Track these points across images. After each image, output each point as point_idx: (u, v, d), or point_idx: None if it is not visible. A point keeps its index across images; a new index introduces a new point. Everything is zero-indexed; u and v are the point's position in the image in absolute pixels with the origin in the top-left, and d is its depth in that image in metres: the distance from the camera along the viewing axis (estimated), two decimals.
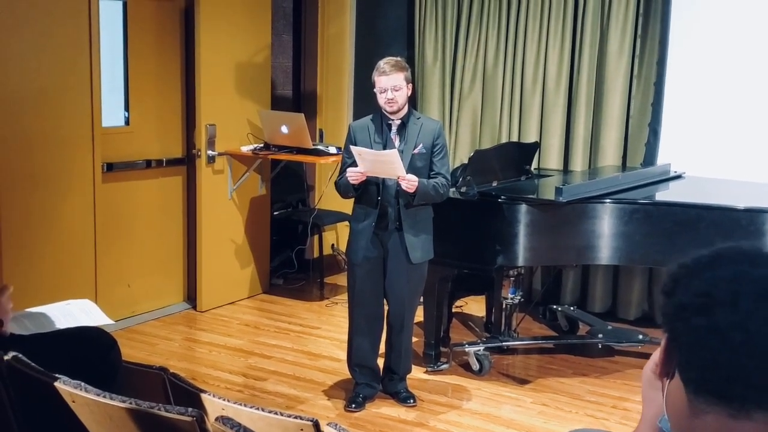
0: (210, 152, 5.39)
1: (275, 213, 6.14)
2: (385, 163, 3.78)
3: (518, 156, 5.07)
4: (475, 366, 4.52)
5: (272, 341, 5.02)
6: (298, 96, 6.39)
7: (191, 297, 5.65)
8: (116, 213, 5.09)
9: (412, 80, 4.02)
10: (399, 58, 3.99)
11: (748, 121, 5.12)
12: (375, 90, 3.92)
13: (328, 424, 2.02)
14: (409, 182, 3.78)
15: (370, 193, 3.94)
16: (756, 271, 1.05)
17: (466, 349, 4.57)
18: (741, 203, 4.18)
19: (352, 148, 3.88)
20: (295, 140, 5.44)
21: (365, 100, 5.89)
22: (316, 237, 6.16)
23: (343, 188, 3.98)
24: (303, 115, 5.52)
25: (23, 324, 2.93)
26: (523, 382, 4.48)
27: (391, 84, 3.86)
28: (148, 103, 5.27)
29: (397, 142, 3.95)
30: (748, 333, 1.00)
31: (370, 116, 4.04)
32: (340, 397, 4.20)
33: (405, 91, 3.90)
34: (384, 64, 3.90)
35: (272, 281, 6.10)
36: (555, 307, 5.40)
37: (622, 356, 4.82)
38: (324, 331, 5.23)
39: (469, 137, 5.99)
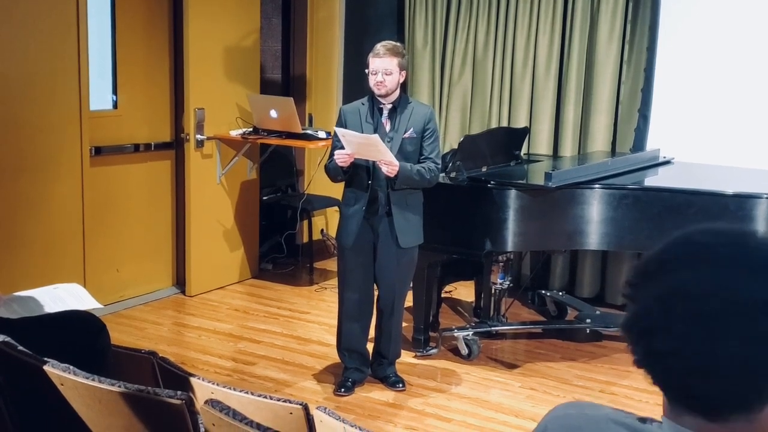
0: (199, 136, 5.36)
1: (264, 198, 6.12)
2: (369, 146, 3.77)
3: (508, 141, 5.07)
4: (464, 351, 4.53)
5: (261, 326, 5.02)
6: (287, 80, 6.35)
7: (180, 281, 5.64)
8: (104, 197, 5.06)
9: None
10: (397, 44, 3.98)
11: (737, 107, 5.13)
12: (367, 71, 3.91)
13: (317, 408, 2.03)
14: (389, 166, 3.77)
15: (361, 177, 3.93)
16: (694, 287, 1.01)
17: (455, 334, 4.59)
18: (729, 188, 4.20)
19: (337, 129, 3.87)
20: (285, 124, 5.42)
21: (354, 84, 5.87)
22: (305, 222, 6.15)
23: (332, 171, 3.96)
24: (292, 99, 5.49)
25: (11, 308, 2.92)
26: (511, 366, 4.50)
27: (382, 67, 3.85)
28: (136, 87, 5.23)
29: (387, 126, 3.94)
30: (685, 359, 0.99)
31: (362, 99, 4.03)
32: (329, 382, 4.21)
33: (396, 77, 3.89)
34: (380, 46, 3.89)
35: (261, 266, 6.10)
36: (543, 292, 5.42)
37: (610, 341, 4.85)
38: (313, 315, 5.23)
39: (458, 122, 5.98)
